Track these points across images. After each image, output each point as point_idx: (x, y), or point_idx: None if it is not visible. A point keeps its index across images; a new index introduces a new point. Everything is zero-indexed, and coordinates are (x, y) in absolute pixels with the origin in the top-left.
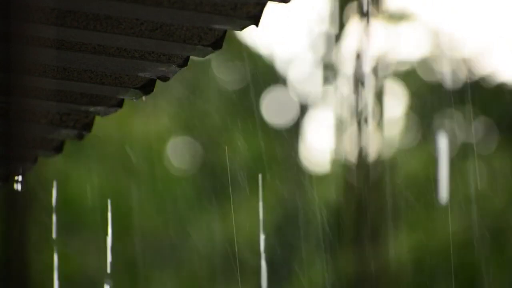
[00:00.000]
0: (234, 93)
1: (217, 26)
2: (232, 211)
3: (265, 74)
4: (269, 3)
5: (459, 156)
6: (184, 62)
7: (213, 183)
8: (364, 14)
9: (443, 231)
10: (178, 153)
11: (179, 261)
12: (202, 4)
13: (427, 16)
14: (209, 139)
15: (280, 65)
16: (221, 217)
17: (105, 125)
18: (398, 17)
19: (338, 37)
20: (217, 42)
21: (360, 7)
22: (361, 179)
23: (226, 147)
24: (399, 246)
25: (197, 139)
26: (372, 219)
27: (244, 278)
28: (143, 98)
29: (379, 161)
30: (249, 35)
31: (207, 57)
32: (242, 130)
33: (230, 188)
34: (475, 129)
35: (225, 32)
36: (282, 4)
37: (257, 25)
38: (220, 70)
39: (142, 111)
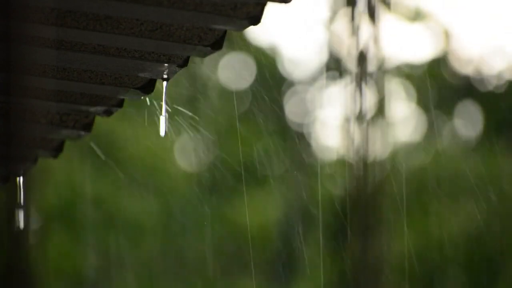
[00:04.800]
0: (240, 91)
1: (217, 26)
2: (242, 207)
3: (270, 73)
4: (269, 3)
5: (465, 155)
6: (184, 62)
7: (221, 179)
8: (371, 13)
9: (447, 227)
10: (185, 151)
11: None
12: (202, 4)
13: (434, 15)
14: (218, 136)
15: (284, 64)
16: (229, 213)
17: (108, 122)
18: (405, 16)
19: (343, 35)
20: (217, 42)
21: (367, 5)
22: (366, 177)
23: (234, 144)
24: (402, 243)
25: (206, 136)
26: (377, 217)
27: (255, 272)
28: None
29: (384, 160)
30: (253, 34)
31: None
32: (249, 127)
33: (238, 185)
34: (482, 127)
35: (225, 32)
36: (283, 4)
37: (256, 25)
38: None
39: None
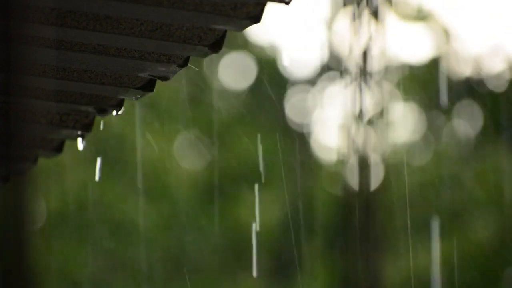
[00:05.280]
0: (241, 91)
1: (217, 26)
2: (239, 207)
3: (270, 73)
4: (269, 3)
5: (465, 156)
6: (184, 62)
7: (221, 180)
8: (374, 13)
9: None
10: (185, 151)
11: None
12: (202, 4)
13: (434, 15)
14: (218, 136)
15: (284, 64)
16: (226, 214)
17: (111, 123)
18: (405, 15)
19: (344, 35)
20: (217, 42)
21: (369, 5)
22: (366, 179)
23: (234, 144)
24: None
25: (205, 136)
26: (378, 220)
27: (257, 271)
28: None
29: (383, 159)
30: (254, 34)
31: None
32: (249, 128)
33: (238, 185)
34: (482, 127)
35: (225, 32)
36: (283, 4)
37: (255, 24)
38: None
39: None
